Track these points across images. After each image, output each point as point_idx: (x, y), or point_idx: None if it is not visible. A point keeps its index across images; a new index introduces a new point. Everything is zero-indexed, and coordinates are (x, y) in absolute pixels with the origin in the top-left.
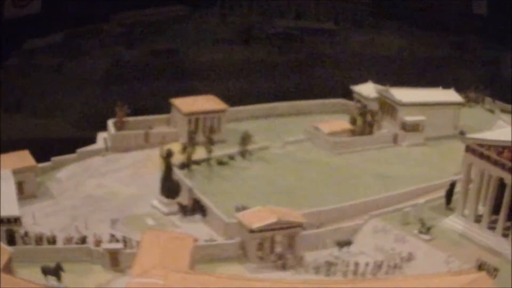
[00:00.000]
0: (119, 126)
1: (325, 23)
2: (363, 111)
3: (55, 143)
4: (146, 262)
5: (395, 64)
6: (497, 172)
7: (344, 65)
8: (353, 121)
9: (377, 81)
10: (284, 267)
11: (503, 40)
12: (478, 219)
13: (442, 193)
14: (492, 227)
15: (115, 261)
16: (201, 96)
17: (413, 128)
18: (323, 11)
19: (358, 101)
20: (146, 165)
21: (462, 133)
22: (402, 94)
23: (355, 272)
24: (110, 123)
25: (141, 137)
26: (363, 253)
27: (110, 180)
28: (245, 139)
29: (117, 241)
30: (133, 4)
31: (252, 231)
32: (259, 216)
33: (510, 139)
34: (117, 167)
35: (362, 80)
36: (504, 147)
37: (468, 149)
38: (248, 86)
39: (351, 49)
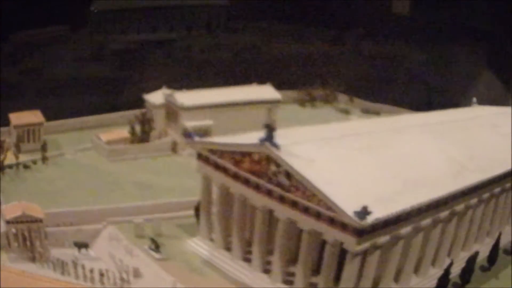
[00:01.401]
0: None
1: (173, 32)
2: (142, 119)
3: None
4: None
5: (241, 64)
6: (239, 189)
7: (173, 73)
8: (132, 130)
9: (201, 84)
10: (33, 260)
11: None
12: (229, 246)
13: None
14: (248, 258)
15: None
16: (29, 111)
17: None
18: (177, 21)
19: (149, 109)
20: None
21: (187, 135)
22: (188, 97)
23: (85, 277)
24: None
25: None
26: (100, 259)
27: None
28: (44, 147)
29: None
30: (21, 24)
31: (8, 222)
32: (14, 210)
33: (248, 143)
34: None
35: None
36: (243, 155)
37: (201, 156)
38: (78, 101)
39: (189, 55)
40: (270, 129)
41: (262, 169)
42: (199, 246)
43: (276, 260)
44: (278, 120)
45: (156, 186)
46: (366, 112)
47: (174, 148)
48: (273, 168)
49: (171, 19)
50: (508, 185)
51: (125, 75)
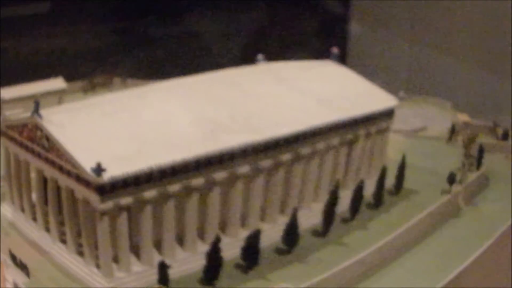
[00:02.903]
0: None
1: None
2: None
3: None
4: None
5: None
6: (23, 155)
7: None
8: None
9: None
10: None
11: None
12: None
13: None
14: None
15: None
16: None
17: None
18: None
19: None
20: None
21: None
22: (10, 91)
23: None
24: None
25: None
26: None
27: None
28: None
29: None
30: None
31: None
32: None
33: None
34: None
35: None
36: (24, 126)
37: (3, 133)
38: None
39: None
40: (36, 103)
41: (34, 136)
42: (5, 210)
43: (51, 219)
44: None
45: None
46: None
47: None
48: (39, 133)
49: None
50: (304, 151)
51: None
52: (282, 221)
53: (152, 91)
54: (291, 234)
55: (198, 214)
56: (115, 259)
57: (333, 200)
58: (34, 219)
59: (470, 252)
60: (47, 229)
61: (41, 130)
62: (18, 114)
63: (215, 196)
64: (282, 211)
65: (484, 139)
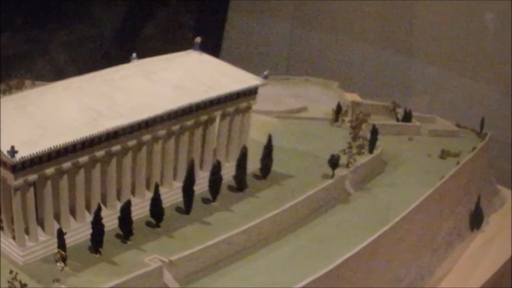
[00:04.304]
0: None
1: None
2: None
3: None
4: None
5: None
6: None
7: None
8: None
9: None
10: None
11: None
12: None
13: None
14: None
15: None
16: None
17: None
18: None
19: None
20: None
21: None
22: None
23: None
24: None
25: None
26: None
27: None
28: None
29: None
30: None
31: None
32: None
33: None
34: None
35: None
36: None
37: None
38: None
39: None
40: None
41: None
42: None
43: None
44: None
45: None
46: None
47: None
48: None
49: None
50: (161, 133)
51: None
52: (149, 197)
53: (51, 89)
54: (156, 208)
55: (85, 188)
56: (26, 231)
57: (189, 179)
58: None
59: (357, 239)
60: None
61: None
62: None
63: (96, 172)
64: (148, 187)
65: (384, 121)
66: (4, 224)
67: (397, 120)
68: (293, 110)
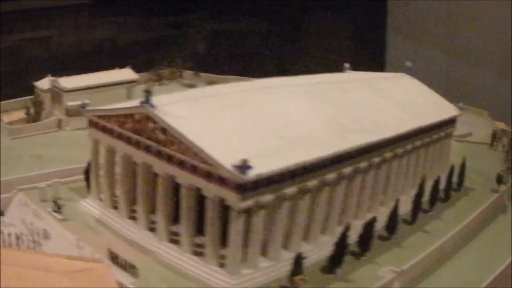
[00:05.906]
0: None
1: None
2: (35, 102)
3: None
4: None
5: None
6: (123, 148)
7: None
8: (27, 111)
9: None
10: None
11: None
12: (116, 205)
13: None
14: (134, 217)
15: None
16: None
17: (77, 112)
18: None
19: (39, 94)
20: None
21: (83, 106)
22: (70, 82)
23: (4, 241)
24: None
25: None
26: (13, 224)
27: None
28: None
29: None
30: None
31: None
32: None
33: (130, 106)
34: None
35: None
36: (126, 117)
37: (91, 123)
38: None
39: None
40: (148, 92)
41: (142, 128)
42: (91, 206)
43: (159, 218)
44: (137, 96)
45: (49, 156)
46: (213, 84)
47: (59, 125)
48: (151, 125)
49: (45, 19)
50: (399, 150)
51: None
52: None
53: (274, 87)
54: (392, 221)
55: (327, 208)
56: (243, 257)
57: (419, 192)
58: (132, 217)
59: None
60: (151, 229)
61: (154, 122)
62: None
63: (341, 189)
64: (382, 203)
65: None
66: (208, 249)
67: None
68: (464, 135)
